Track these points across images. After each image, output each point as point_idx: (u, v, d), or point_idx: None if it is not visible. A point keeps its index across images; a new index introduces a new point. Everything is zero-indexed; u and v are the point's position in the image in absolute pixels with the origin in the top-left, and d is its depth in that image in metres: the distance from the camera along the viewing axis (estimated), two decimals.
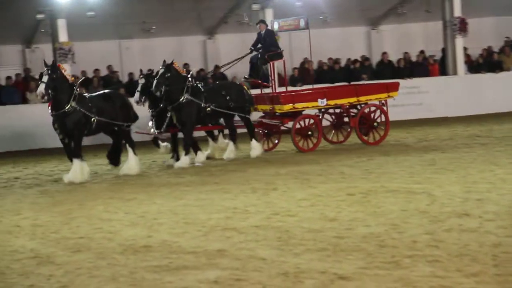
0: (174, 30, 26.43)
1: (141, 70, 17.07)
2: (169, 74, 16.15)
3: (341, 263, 7.72)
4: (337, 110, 18.80)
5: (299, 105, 17.81)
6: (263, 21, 19.02)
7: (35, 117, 21.59)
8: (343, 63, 27.30)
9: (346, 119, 18.83)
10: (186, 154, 16.40)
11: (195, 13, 26.40)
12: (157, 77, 16.10)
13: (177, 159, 16.65)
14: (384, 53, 27.18)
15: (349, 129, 18.88)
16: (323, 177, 13.75)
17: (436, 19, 26.98)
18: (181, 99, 16.30)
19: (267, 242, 8.87)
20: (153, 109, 16.62)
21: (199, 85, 16.88)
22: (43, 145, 21.60)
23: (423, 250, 8.09)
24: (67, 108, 14.87)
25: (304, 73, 26.35)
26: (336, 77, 25.70)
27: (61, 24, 23.15)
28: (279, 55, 18.54)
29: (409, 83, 25.39)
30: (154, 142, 17.16)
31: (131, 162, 15.84)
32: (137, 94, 16.43)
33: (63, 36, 23.14)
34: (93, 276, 7.85)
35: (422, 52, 27.63)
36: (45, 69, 14.88)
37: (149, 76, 16.66)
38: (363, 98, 18.32)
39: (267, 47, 18.34)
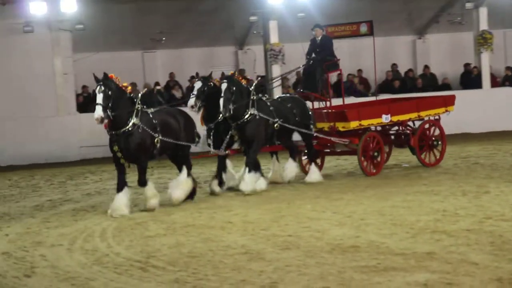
0: (383, 30, 26.21)
1: (197, 73, 14.91)
2: (234, 88, 13.84)
3: None
4: (379, 127, 16.27)
5: (365, 122, 15.46)
6: (318, 26, 16.34)
7: None
8: None
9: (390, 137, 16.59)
10: (250, 171, 13.98)
11: (405, 13, 26.09)
12: (223, 93, 13.73)
13: (220, 182, 14.31)
14: None
15: (388, 149, 16.54)
16: None
17: None
18: (245, 116, 14.08)
19: (479, 246, 8.60)
20: (211, 123, 14.36)
21: (263, 98, 14.66)
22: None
23: None
24: (128, 126, 12.51)
25: None
26: None
27: (272, 26, 23.71)
28: (336, 65, 16.31)
29: None
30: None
31: (181, 177, 13.27)
32: (192, 99, 14.16)
33: (274, 37, 23.68)
34: (302, 273, 7.94)
35: None
36: (97, 85, 12.29)
37: (206, 79, 14.42)
38: (423, 113, 16.11)
39: (324, 56, 16.02)
